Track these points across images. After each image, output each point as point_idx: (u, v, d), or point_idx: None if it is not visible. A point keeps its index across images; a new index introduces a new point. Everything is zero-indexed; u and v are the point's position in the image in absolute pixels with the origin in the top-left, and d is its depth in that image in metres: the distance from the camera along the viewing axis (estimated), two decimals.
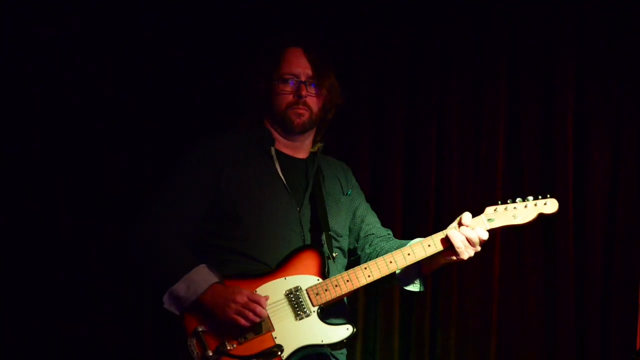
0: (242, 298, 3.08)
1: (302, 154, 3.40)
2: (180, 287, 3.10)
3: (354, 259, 3.46)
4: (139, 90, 4.39)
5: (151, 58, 4.40)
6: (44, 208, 4.29)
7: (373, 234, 3.46)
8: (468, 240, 3.19)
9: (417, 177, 4.59)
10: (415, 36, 4.56)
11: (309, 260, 3.21)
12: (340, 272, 3.26)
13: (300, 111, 3.29)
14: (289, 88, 3.30)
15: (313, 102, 3.31)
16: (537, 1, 4.52)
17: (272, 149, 3.32)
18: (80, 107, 4.33)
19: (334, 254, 3.27)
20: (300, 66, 3.31)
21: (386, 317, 4.56)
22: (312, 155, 3.42)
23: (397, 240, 3.45)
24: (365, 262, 3.28)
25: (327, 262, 3.22)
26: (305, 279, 3.19)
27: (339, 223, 3.38)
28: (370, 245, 3.44)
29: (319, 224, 3.30)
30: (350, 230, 3.45)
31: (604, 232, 4.53)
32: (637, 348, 4.42)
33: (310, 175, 3.36)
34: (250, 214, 3.21)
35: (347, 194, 3.45)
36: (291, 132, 3.32)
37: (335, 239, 3.34)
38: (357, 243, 3.47)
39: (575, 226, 4.55)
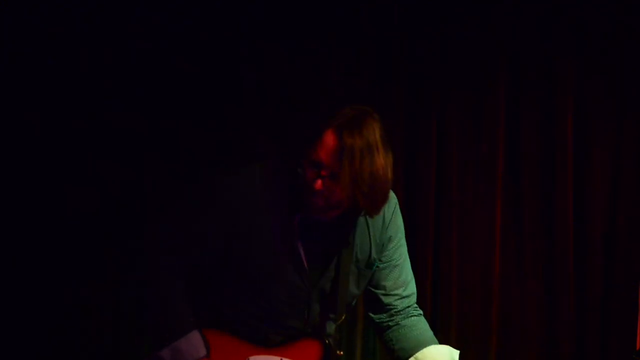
0: None
1: (334, 215, 2.98)
2: (165, 354, 2.88)
3: (368, 318, 3.21)
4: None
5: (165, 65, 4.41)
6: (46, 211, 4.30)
7: (394, 306, 3.14)
8: None
9: (417, 177, 4.59)
10: (415, 36, 4.55)
11: (312, 350, 3.00)
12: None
13: (314, 199, 2.88)
14: (310, 174, 2.86)
15: (330, 194, 2.85)
16: (537, 1, 4.51)
17: (297, 221, 2.97)
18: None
19: (339, 352, 3.04)
20: (326, 155, 2.82)
21: None
22: (347, 214, 2.99)
23: (413, 320, 3.15)
24: (379, 336, 3.14)
25: (328, 358, 3.00)
26: None
27: (356, 292, 3.10)
28: (386, 318, 3.15)
29: (334, 307, 3.04)
30: (369, 289, 3.15)
31: (604, 232, 4.53)
32: (637, 348, 4.43)
33: (340, 243, 3.02)
34: (256, 284, 2.95)
35: (372, 266, 3.10)
36: (304, 211, 2.96)
37: (349, 307, 3.11)
38: (373, 303, 3.16)
39: (575, 226, 4.55)
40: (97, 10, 4.31)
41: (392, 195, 3.07)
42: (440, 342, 4.53)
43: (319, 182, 2.83)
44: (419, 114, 4.58)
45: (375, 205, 2.88)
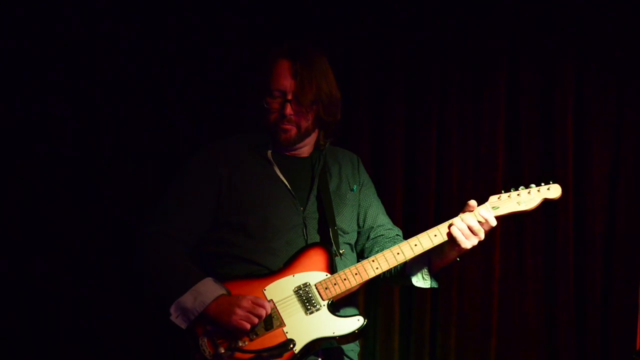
0: (247, 303, 3.08)
1: (305, 153, 3.38)
2: (187, 298, 3.10)
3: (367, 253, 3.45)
4: (144, 92, 4.38)
5: (153, 56, 4.38)
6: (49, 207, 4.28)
7: (382, 234, 3.45)
8: (469, 228, 3.21)
9: (417, 177, 4.58)
10: (415, 36, 4.55)
11: (317, 257, 3.22)
12: (348, 261, 3.28)
13: (286, 127, 3.25)
14: (275, 104, 3.24)
15: (301, 118, 3.25)
16: (537, 2, 4.53)
17: (269, 153, 3.30)
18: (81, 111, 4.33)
19: (341, 250, 3.28)
20: (287, 81, 3.23)
21: (386, 317, 4.55)
22: (317, 152, 3.40)
23: (405, 240, 3.41)
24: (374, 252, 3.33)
25: (335, 258, 3.23)
26: (313, 275, 3.19)
27: (345, 220, 3.37)
28: (378, 246, 3.43)
29: (326, 222, 3.30)
30: (360, 228, 3.45)
31: (604, 232, 4.54)
32: (637, 348, 4.43)
33: (316, 173, 3.34)
34: (254, 220, 3.22)
35: (352, 189, 3.43)
36: (280, 145, 3.29)
37: (342, 235, 3.35)
38: (366, 244, 3.46)
39: (575, 226, 4.56)
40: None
41: (353, 153, 3.55)
42: (440, 342, 4.58)
43: (288, 106, 3.21)
44: (419, 114, 4.58)
45: (335, 118, 3.31)
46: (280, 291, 3.16)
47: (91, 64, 4.31)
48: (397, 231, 3.51)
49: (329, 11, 4.52)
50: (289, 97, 3.21)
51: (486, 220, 3.22)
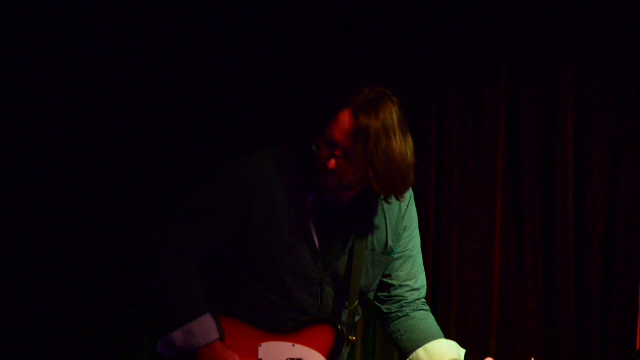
0: None
1: (348, 197, 2.95)
2: (177, 336, 2.88)
3: (376, 307, 3.17)
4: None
5: (163, 52, 4.42)
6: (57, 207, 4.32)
7: (404, 297, 3.12)
8: None
9: (417, 177, 4.55)
10: (415, 35, 4.55)
11: (324, 337, 2.97)
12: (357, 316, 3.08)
13: (328, 179, 2.86)
14: (324, 152, 2.85)
15: (343, 174, 2.84)
16: (537, 1, 4.51)
17: (309, 200, 2.95)
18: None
19: (351, 337, 3.02)
20: (341, 136, 2.80)
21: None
22: (362, 197, 2.96)
23: (422, 314, 3.13)
24: (380, 314, 3.12)
25: (341, 345, 2.98)
26: (312, 355, 2.95)
27: (370, 282, 3.06)
28: (395, 308, 3.12)
29: (347, 294, 3.01)
30: (383, 277, 3.14)
31: (604, 232, 4.53)
32: (637, 348, 4.43)
33: (354, 231, 2.99)
34: (268, 267, 2.94)
35: (390, 254, 3.07)
36: (317, 191, 2.95)
37: (363, 296, 3.08)
38: (383, 293, 3.13)
39: (575, 226, 4.55)
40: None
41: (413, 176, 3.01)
42: None
43: (333, 161, 2.81)
44: (419, 114, 4.57)
45: (392, 189, 2.84)
46: (274, 355, 2.94)
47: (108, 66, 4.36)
48: (420, 292, 3.14)
49: (328, 10, 4.53)
50: (338, 152, 2.82)
51: None
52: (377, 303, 3.15)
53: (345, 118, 2.80)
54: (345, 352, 3.05)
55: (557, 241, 4.54)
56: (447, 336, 4.45)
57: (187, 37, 4.38)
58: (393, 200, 2.94)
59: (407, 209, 3.06)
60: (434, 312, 4.50)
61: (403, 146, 2.83)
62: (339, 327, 2.97)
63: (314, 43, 4.48)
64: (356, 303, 3.02)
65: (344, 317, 3.01)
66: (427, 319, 3.14)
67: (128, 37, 4.34)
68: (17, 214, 4.29)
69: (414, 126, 4.50)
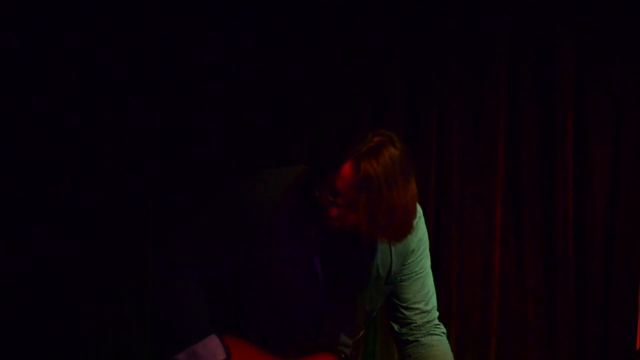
0: None
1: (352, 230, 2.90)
2: (181, 358, 2.84)
3: (388, 327, 3.13)
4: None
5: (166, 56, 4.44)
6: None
7: (414, 321, 3.05)
8: None
9: (417, 177, 4.56)
10: (415, 35, 4.55)
11: None
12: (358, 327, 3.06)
13: (329, 221, 2.80)
14: (326, 200, 2.77)
15: (346, 220, 2.77)
16: (537, 1, 4.52)
17: (314, 228, 2.89)
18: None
19: None
20: (342, 184, 2.73)
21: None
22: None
23: (431, 337, 3.08)
24: (391, 333, 3.07)
25: None
26: None
27: (372, 305, 3.02)
28: (405, 330, 3.05)
29: (351, 322, 2.99)
30: (391, 300, 3.07)
31: (604, 232, 4.53)
32: (637, 348, 4.43)
33: (358, 261, 2.95)
34: (270, 293, 2.91)
35: (394, 282, 3.01)
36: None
37: (368, 319, 3.05)
38: (393, 312, 3.07)
39: (575, 226, 4.55)
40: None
41: (418, 206, 2.92)
42: None
43: (335, 209, 2.75)
44: (419, 114, 4.58)
45: (395, 237, 2.78)
46: None
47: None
48: (431, 314, 3.08)
49: (328, 9, 4.53)
50: (340, 201, 2.75)
51: None
52: (391, 322, 3.08)
53: (347, 169, 2.72)
54: None
55: (557, 241, 4.54)
56: (447, 336, 4.49)
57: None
58: None
59: (414, 232, 2.96)
60: None
61: (405, 194, 2.72)
62: (342, 356, 2.95)
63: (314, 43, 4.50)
64: (361, 333, 3.01)
65: (347, 344, 2.98)
66: (438, 346, 3.08)
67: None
68: (17, 214, 4.29)
69: (413, 126, 4.57)
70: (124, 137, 4.39)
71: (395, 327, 3.06)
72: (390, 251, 2.96)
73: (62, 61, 4.28)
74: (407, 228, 2.76)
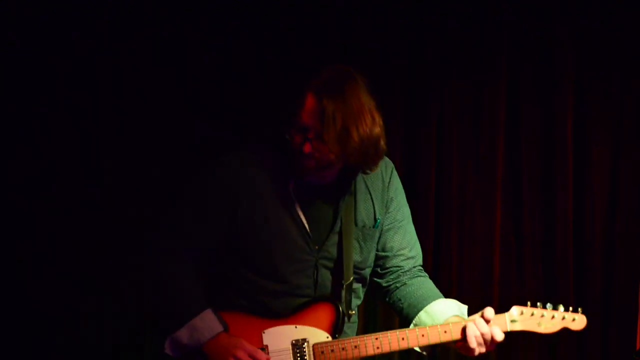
0: (242, 355, 2.97)
1: (329, 177, 3.10)
2: (183, 334, 2.98)
3: (375, 284, 3.26)
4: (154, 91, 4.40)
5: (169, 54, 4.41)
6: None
7: (400, 266, 3.23)
8: (483, 336, 3.10)
9: (417, 177, 4.58)
10: (415, 36, 4.55)
11: (324, 314, 3.07)
12: (357, 299, 3.16)
13: (305, 162, 2.99)
14: (297, 138, 2.98)
15: (321, 155, 2.97)
16: (537, 1, 4.51)
17: (291, 186, 3.07)
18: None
19: (351, 312, 3.12)
20: (310, 120, 2.93)
21: (386, 317, 4.55)
22: (344, 177, 3.11)
23: (420, 279, 3.24)
24: (380, 293, 3.20)
25: (342, 319, 3.08)
26: (315, 333, 3.05)
27: (363, 257, 3.17)
28: (393, 279, 3.23)
29: (341, 270, 3.11)
30: (376, 255, 3.23)
31: (604, 232, 4.54)
32: (637, 348, 4.43)
33: (340, 209, 3.10)
34: (263, 259, 3.06)
35: (376, 225, 3.17)
36: (298, 175, 3.07)
37: (356, 272, 3.16)
38: (380, 269, 3.24)
39: (575, 226, 4.55)
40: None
41: (388, 160, 3.22)
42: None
43: (308, 145, 2.95)
44: (419, 114, 4.57)
45: (365, 161, 2.97)
46: (278, 339, 3.03)
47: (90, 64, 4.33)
48: (416, 259, 3.26)
49: (329, 8, 4.52)
50: (310, 135, 2.95)
51: (492, 335, 3.12)
52: (375, 279, 3.25)
53: (310, 102, 2.93)
54: (352, 328, 3.15)
55: (557, 241, 4.54)
56: None
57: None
58: (376, 174, 3.13)
59: (389, 181, 3.22)
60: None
61: (369, 118, 2.95)
62: (337, 303, 3.07)
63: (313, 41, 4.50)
64: (351, 279, 3.11)
65: (342, 293, 3.10)
66: (424, 284, 3.24)
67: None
68: (16, 214, 4.29)
69: (414, 126, 4.57)
70: (123, 137, 4.39)
71: (383, 282, 3.23)
72: (372, 199, 3.15)
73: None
74: (377, 152, 2.96)
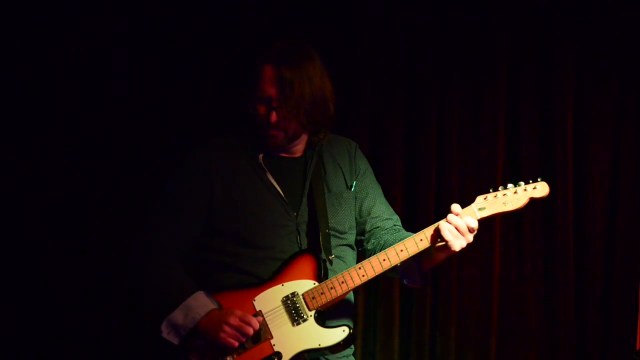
0: (234, 320, 3.09)
1: (298, 152, 3.33)
2: (177, 315, 3.12)
3: (361, 251, 3.42)
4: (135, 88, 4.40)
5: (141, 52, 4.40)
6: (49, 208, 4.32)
7: (379, 226, 3.39)
8: (457, 228, 3.13)
9: (417, 177, 4.58)
10: (415, 36, 4.54)
11: (305, 264, 3.20)
12: (352, 266, 3.25)
13: (272, 133, 3.20)
14: (261, 110, 3.18)
15: (287, 123, 3.19)
16: (537, 1, 4.51)
17: (260, 157, 3.26)
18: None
19: (330, 256, 3.24)
20: (270, 88, 3.16)
21: (386, 317, 4.56)
22: (311, 150, 3.34)
23: (402, 231, 3.39)
24: (369, 257, 3.26)
25: (324, 265, 3.20)
26: (302, 284, 3.18)
27: (340, 220, 3.33)
28: (374, 238, 3.39)
29: (317, 226, 3.27)
30: (357, 220, 3.39)
31: (604, 232, 4.53)
32: (637, 348, 4.43)
33: (308, 174, 3.30)
34: (246, 229, 3.21)
35: (351, 187, 3.37)
36: (270, 149, 3.26)
37: (339, 237, 3.31)
38: (363, 236, 3.40)
39: (575, 226, 4.55)
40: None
41: (351, 140, 3.49)
42: (440, 342, 4.59)
43: (273, 113, 3.16)
44: (419, 114, 4.57)
45: (324, 116, 3.23)
46: (269, 301, 3.16)
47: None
48: (395, 220, 3.44)
49: (332, 9, 4.52)
50: (274, 104, 3.15)
51: (467, 224, 3.15)
52: (362, 247, 3.40)
53: (267, 71, 3.16)
54: (336, 267, 3.25)
55: (557, 241, 4.54)
56: (447, 336, 4.55)
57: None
58: (341, 149, 3.39)
59: (355, 153, 3.44)
60: (434, 311, 4.56)
61: (321, 84, 3.21)
62: (314, 251, 3.21)
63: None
64: (326, 230, 3.25)
65: (319, 242, 3.24)
66: (404, 233, 3.37)
67: None
68: (16, 214, 4.30)
69: (414, 126, 4.57)
70: (122, 138, 4.39)
71: (368, 245, 3.39)
72: (341, 169, 3.37)
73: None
74: (326, 111, 3.23)
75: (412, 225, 4.46)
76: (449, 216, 3.16)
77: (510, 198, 3.22)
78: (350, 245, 3.37)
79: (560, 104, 4.53)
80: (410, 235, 3.25)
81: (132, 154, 4.37)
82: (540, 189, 3.23)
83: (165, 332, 3.13)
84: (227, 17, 4.43)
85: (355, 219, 3.39)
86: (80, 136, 4.34)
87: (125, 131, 4.37)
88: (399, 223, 3.45)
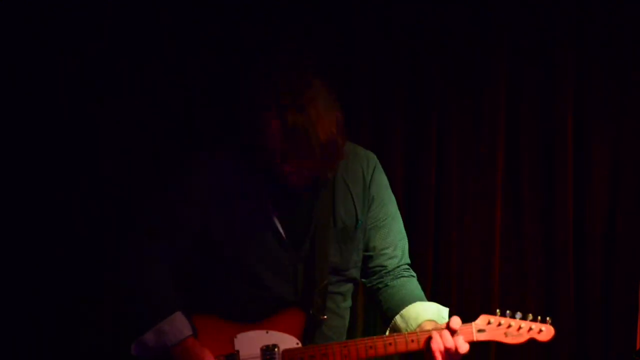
0: None
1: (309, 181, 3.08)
2: (149, 338, 2.97)
3: (361, 280, 3.27)
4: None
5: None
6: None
7: (384, 266, 3.22)
8: (447, 350, 3.09)
9: (417, 177, 4.58)
10: (415, 36, 4.54)
11: (294, 319, 3.08)
12: (344, 301, 3.16)
13: (291, 178, 2.99)
14: (277, 164, 2.96)
15: (300, 170, 2.96)
16: (537, 1, 4.51)
17: (266, 188, 3.06)
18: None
19: (322, 317, 3.10)
20: (278, 144, 2.90)
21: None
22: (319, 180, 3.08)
23: (402, 279, 3.23)
24: (373, 299, 3.20)
25: (313, 325, 3.07)
26: (285, 339, 3.05)
27: (345, 260, 3.15)
28: (376, 280, 3.22)
29: (317, 276, 3.10)
30: (363, 252, 3.22)
31: (604, 232, 4.53)
32: (637, 348, 4.43)
33: (316, 213, 3.09)
34: (242, 266, 3.06)
35: (357, 225, 3.16)
36: (279, 183, 3.05)
37: (340, 274, 3.16)
38: (367, 267, 3.23)
39: (575, 226, 4.55)
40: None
41: (371, 155, 3.23)
42: None
43: (286, 166, 2.92)
44: (419, 114, 4.57)
45: (332, 160, 2.95)
46: (249, 345, 3.02)
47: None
48: (400, 260, 3.23)
49: (329, 9, 4.52)
50: (278, 160, 2.94)
51: (456, 347, 3.13)
52: (362, 279, 3.23)
53: (274, 126, 2.88)
54: (334, 330, 3.13)
55: (557, 241, 4.54)
56: None
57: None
58: (356, 173, 3.13)
59: (371, 178, 3.19)
60: None
61: (329, 125, 2.93)
62: (307, 309, 3.05)
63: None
64: (325, 282, 3.09)
65: (315, 298, 3.08)
66: (406, 286, 3.21)
67: None
68: (15, 214, 4.29)
69: (414, 126, 4.57)
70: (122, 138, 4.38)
71: (367, 281, 3.22)
72: (353, 199, 3.11)
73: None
74: (336, 154, 2.95)
75: (413, 225, 4.50)
76: (444, 333, 3.09)
77: (513, 331, 3.24)
78: (352, 279, 3.23)
79: (560, 104, 4.53)
80: (408, 289, 3.16)
81: (129, 157, 4.35)
82: (545, 332, 3.26)
83: (134, 351, 3.00)
84: (227, 17, 4.42)
85: (361, 250, 3.22)
86: (76, 137, 4.33)
87: (124, 132, 4.35)
88: (406, 259, 3.26)
